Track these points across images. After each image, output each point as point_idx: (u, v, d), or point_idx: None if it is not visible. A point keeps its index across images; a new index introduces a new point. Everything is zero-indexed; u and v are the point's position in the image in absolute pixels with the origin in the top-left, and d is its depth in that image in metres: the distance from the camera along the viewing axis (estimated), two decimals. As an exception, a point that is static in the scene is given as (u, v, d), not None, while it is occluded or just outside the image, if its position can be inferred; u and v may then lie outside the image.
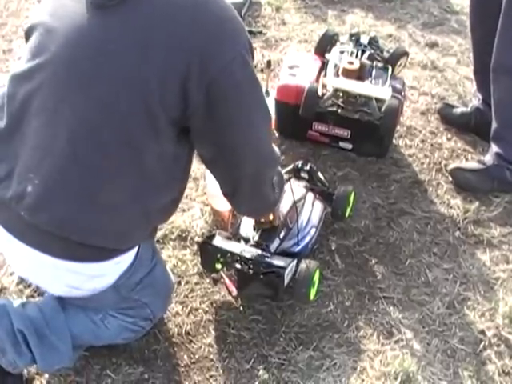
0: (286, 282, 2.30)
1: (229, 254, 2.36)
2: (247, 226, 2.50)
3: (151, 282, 2.12)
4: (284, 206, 2.45)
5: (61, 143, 1.74)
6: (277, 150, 2.05)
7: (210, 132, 1.78)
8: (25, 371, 2.19)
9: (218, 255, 2.39)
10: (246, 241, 2.44)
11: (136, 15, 1.67)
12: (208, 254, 2.43)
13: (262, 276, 2.32)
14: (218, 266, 2.43)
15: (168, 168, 1.86)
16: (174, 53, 1.65)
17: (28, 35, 1.87)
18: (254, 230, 2.46)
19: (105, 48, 1.69)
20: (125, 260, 1.97)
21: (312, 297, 2.41)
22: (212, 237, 2.43)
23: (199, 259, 2.53)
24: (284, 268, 2.28)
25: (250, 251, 2.36)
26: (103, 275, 1.95)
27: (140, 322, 2.19)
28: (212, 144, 1.84)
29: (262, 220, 2.39)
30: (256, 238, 2.42)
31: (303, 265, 2.35)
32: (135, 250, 2.00)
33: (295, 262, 2.36)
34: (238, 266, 2.36)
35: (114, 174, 1.77)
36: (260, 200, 2.10)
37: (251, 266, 2.33)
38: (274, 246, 2.40)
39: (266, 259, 2.32)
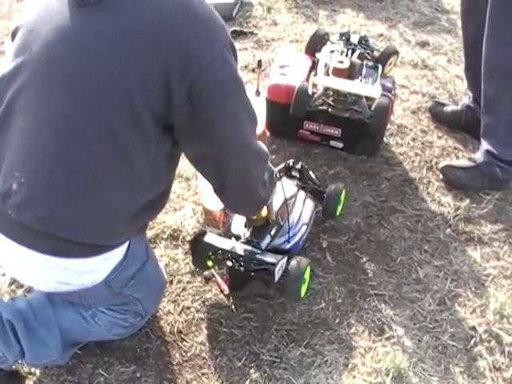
0: (276, 278, 2.30)
1: (220, 251, 2.37)
2: (239, 223, 2.51)
3: (144, 278, 2.13)
4: (275, 203, 2.45)
5: (45, 141, 1.75)
6: (264, 147, 2.06)
7: (194, 131, 1.79)
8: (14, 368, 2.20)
9: (210, 252, 2.39)
10: (237, 238, 2.44)
11: (117, 14, 1.67)
12: (199, 250, 2.43)
13: (252, 273, 2.34)
14: (210, 263, 2.43)
15: (154, 165, 1.86)
16: (154, 51, 1.66)
17: (13, 36, 1.88)
18: (246, 227, 2.47)
19: (86, 47, 1.70)
20: (115, 256, 1.97)
21: (303, 294, 2.41)
22: (203, 233, 2.44)
23: (191, 258, 2.53)
24: (274, 264, 2.28)
25: (240, 248, 2.36)
26: (93, 271, 1.96)
27: (131, 318, 2.20)
28: (196, 142, 1.84)
29: (255, 217, 2.40)
30: (247, 235, 2.43)
31: (294, 262, 2.35)
32: (125, 245, 2.00)
33: (286, 258, 2.36)
34: (229, 263, 2.37)
35: (99, 171, 1.77)
36: (250, 197, 2.11)
37: (242, 263, 2.34)
38: (265, 243, 2.41)
39: (257, 256, 2.33)
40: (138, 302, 2.17)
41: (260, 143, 2.03)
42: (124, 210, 1.88)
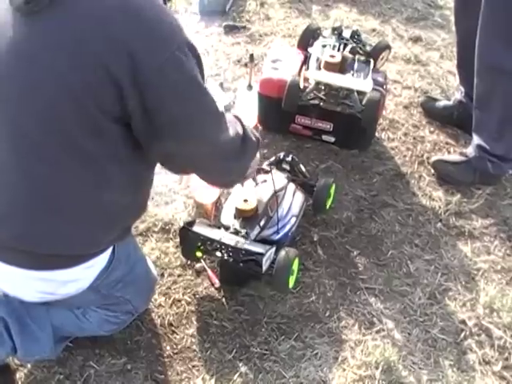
0: (264, 268, 2.31)
1: (208, 242, 2.38)
2: (228, 214, 2.52)
3: (133, 279, 2.13)
4: (265, 194, 2.48)
5: (5, 158, 1.72)
6: (235, 130, 1.95)
7: (152, 134, 1.72)
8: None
9: (199, 243, 2.40)
10: (227, 228, 2.45)
11: (63, 20, 1.59)
12: (188, 241, 2.44)
13: (241, 264, 2.34)
14: (199, 253, 2.44)
15: (127, 167, 1.81)
16: (103, 56, 1.58)
17: None
18: (235, 217, 2.47)
19: (30, 57, 1.63)
20: (98, 263, 1.95)
21: (291, 285, 2.43)
22: (191, 223, 2.44)
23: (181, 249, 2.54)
24: (262, 254, 2.29)
25: (229, 238, 2.37)
26: (76, 280, 1.94)
27: (121, 315, 2.21)
28: (156, 144, 1.76)
29: (245, 208, 2.42)
30: (236, 226, 2.44)
31: (282, 252, 2.36)
32: (109, 250, 1.97)
33: (274, 249, 2.38)
34: (218, 253, 2.38)
35: (66, 182, 1.74)
36: (225, 176, 2.09)
37: (231, 254, 2.35)
38: (254, 233, 2.42)
39: (246, 246, 2.33)
40: (129, 302, 2.18)
41: (230, 128, 1.93)
42: (97, 219, 1.85)
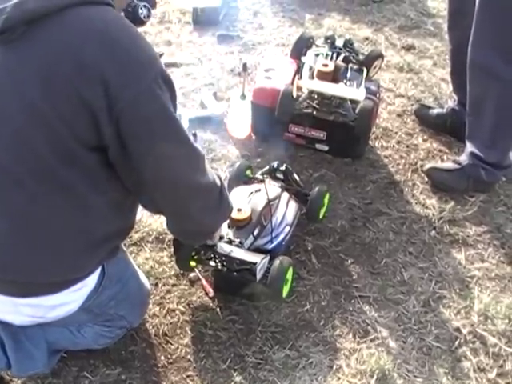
0: (258, 277, 2.31)
1: (203, 251, 2.37)
2: None
3: (125, 296, 2.12)
4: (259, 204, 2.48)
5: None
6: (214, 177, 1.95)
7: (126, 164, 1.72)
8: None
9: (192, 253, 2.39)
10: (220, 238, 2.44)
11: (37, 47, 1.60)
12: (182, 250, 2.42)
13: (235, 273, 2.34)
14: (193, 263, 2.44)
15: (106, 194, 1.80)
16: (74, 80, 1.58)
17: None
18: (229, 227, 2.47)
19: (5, 84, 1.63)
20: (87, 285, 1.94)
21: (285, 294, 2.43)
22: None
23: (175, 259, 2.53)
24: (256, 264, 2.29)
25: (223, 248, 2.37)
26: (65, 303, 1.93)
27: (116, 330, 2.21)
28: (128, 175, 1.77)
29: (239, 218, 2.42)
30: (230, 235, 2.44)
31: (276, 261, 2.36)
32: (98, 271, 1.96)
33: (268, 258, 2.38)
34: (211, 263, 2.38)
35: (43, 211, 1.72)
36: (191, 226, 2.02)
37: (225, 263, 2.35)
38: (248, 242, 2.42)
39: (239, 255, 2.33)
40: (123, 318, 2.18)
41: (209, 174, 1.92)
42: (82, 245, 1.83)
